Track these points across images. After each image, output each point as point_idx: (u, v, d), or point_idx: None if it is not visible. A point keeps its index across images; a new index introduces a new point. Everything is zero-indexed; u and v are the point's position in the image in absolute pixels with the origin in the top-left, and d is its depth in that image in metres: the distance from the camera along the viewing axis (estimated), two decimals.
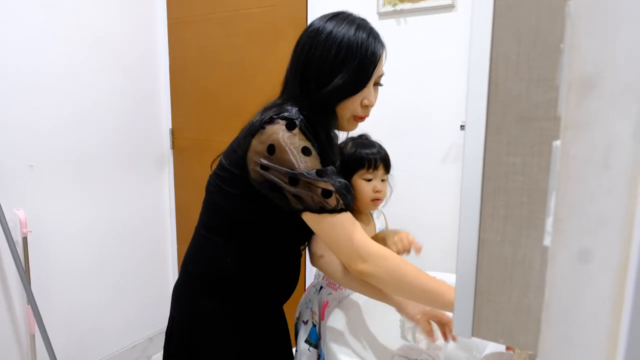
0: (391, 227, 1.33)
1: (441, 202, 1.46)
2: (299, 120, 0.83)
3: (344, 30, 0.85)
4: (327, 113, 0.88)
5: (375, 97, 0.92)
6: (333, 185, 0.81)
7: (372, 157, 1.11)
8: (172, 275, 2.24)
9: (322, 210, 0.81)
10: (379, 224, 1.25)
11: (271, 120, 0.83)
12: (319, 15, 1.63)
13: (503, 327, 0.39)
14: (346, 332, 0.96)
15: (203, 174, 1.03)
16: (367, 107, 0.91)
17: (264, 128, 0.82)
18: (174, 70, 2.10)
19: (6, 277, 1.61)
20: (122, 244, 2.00)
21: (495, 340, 0.39)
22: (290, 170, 0.79)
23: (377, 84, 0.91)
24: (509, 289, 0.38)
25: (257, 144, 0.82)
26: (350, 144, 1.16)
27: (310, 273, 1.78)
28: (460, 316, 0.41)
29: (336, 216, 0.81)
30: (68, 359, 1.80)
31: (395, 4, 1.44)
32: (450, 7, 1.37)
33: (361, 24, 0.87)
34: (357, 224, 0.84)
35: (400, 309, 0.98)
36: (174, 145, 2.17)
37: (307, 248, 1.09)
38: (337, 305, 1.12)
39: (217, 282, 0.95)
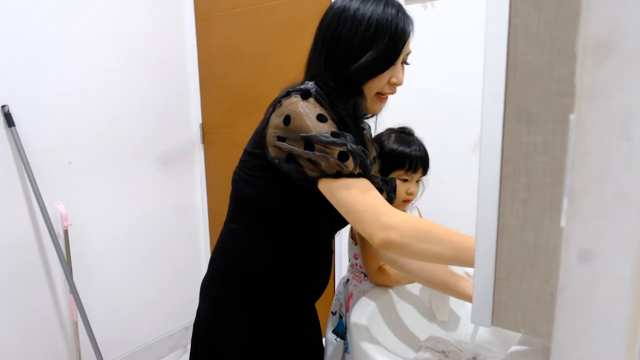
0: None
1: (471, 192, 1.41)
2: (314, 90, 0.81)
3: (372, 7, 0.82)
4: (354, 91, 0.85)
5: (403, 75, 0.88)
6: (349, 148, 0.77)
7: (413, 159, 1.08)
8: (205, 267, 2.29)
9: (339, 174, 0.77)
10: None
11: (287, 95, 0.82)
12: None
13: (524, 315, 0.37)
14: (371, 322, 0.95)
15: (232, 166, 1.02)
16: (394, 85, 0.87)
17: (280, 103, 0.81)
18: (202, 66, 2.14)
19: (50, 268, 1.70)
20: (157, 236, 2.06)
21: (516, 329, 0.38)
22: (304, 134, 0.76)
23: (404, 62, 0.88)
24: (531, 275, 0.36)
25: (274, 118, 0.81)
26: (393, 136, 1.12)
27: (340, 269, 1.78)
28: (479, 304, 0.39)
29: (355, 181, 0.77)
30: (109, 345, 1.88)
31: None
32: None
33: (389, 1, 0.84)
34: (379, 193, 0.79)
35: (460, 287, 0.91)
36: (204, 140, 2.21)
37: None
38: (362, 296, 1.12)
39: (243, 276, 0.93)
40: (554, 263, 0.34)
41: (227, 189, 1.06)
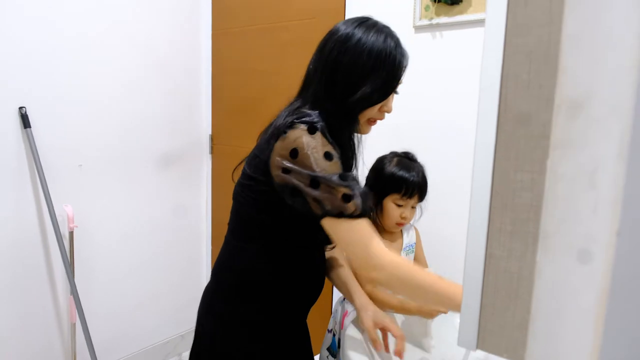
0: (425, 241, 1.33)
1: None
2: (320, 124, 0.84)
3: (373, 38, 0.86)
4: (351, 119, 0.90)
5: (392, 104, 0.95)
6: (353, 191, 0.81)
7: (409, 185, 1.10)
8: (205, 276, 2.31)
9: (340, 215, 0.81)
10: (407, 239, 1.25)
11: (292, 125, 0.84)
12: None
13: (507, 342, 0.39)
14: (364, 339, 0.97)
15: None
16: (384, 112, 0.93)
17: (285, 133, 0.83)
18: (215, 79, 2.19)
19: (53, 268, 1.72)
20: (160, 243, 2.09)
21: (499, 354, 0.40)
22: (311, 173, 0.80)
23: (394, 92, 0.94)
24: (514, 304, 0.38)
25: (280, 149, 0.83)
26: (395, 160, 1.15)
27: None
28: (465, 329, 0.41)
29: (354, 221, 0.82)
30: (105, 348, 1.89)
31: (431, 18, 1.44)
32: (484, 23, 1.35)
33: (389, 33, 0.88)
34: (374, 232, 0.84)
35: (358, 315, 0.99)
36: (212, 151, 2.25)
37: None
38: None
39: (246, 290, 0.96)
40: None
41: (231, 201, 1.08)
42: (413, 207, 1.15)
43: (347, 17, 1.68)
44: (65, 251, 1.67)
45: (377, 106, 0.90)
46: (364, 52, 0.85)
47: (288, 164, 0.82)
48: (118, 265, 1.94)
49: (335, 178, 0.80)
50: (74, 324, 1.77)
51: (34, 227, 1.66)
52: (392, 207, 1.12)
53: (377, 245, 0.82)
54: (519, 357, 0.40)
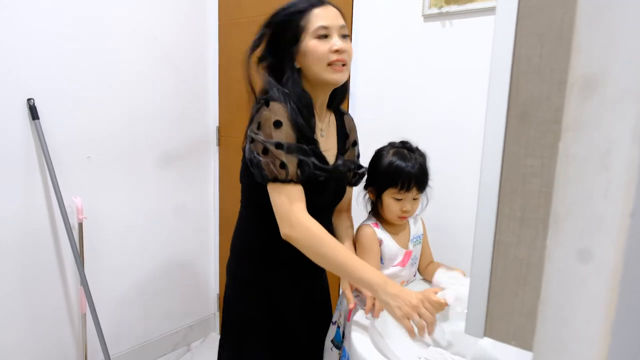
0: (430, 231, 1.32)
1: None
2: (276, 97, 1.01)
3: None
4: (289, 67, 1.06)
5: (346, 45, 1.04)
6: (289, 159, 0.95)
7: (405, 178, 1.07)
8: (213, 268, 2.33)
9: (275, 179, 0.96)
10: (415, 230, 1.24)
11: (258, 102, 1.04)
12: (363, 19, 1.64)
13: (515, 328, 0.39)
14: (371, 327, 0.97)
15: None
16: (337, 52, 1.02)
17: (258, 111, 1.01)
18: (222, 70, 2.19)
19: (63, 259, 1.75)
20: (168, 234, 2.10)
21: (508, 342, 0.39)
22: (264, 140, 0.96)
23: (344, 35, 1.05)
24: (523, 291, 0.38)
25: (250, 125, 1.02)
26: (392, 151, 1.13)
27: None
28: (473, 316, 0.41)
29: (284, 186, 0.96)
30: (115, 338, 1.92)
31: (440, 6, 1.42)
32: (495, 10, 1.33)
33: None
34: (302, 198, 0.97)
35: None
36: (220, 142, 2.25)
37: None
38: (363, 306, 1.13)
39: (247, 250, 1.14)
40: None
41: (238, 191, 1.21)
42: (415, 199, 1.12)
43: (354, 5, 1.66)
44: (74, 242, 1.69)
45: (323, 47, 1.01)
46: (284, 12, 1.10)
47: (253, 134, 0.99)
48: (127, 257, 1.96)
49: (274, 144, 0.95)
50: (84, 314, 1.79)
51: (43, 219, 1.67)
52: (391, 202, 1.10)
53: (299, 208, 0.96)
54: (527, 344, 0.39)
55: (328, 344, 1.19)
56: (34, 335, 1.70)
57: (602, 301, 0.23)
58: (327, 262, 0.97)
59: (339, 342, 1.16)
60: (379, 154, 1.15)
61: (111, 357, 1.83)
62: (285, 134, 0.97)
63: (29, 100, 1.59)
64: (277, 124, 0.97)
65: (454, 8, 1.40)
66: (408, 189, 1.08)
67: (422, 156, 1.14)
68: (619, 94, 0.22)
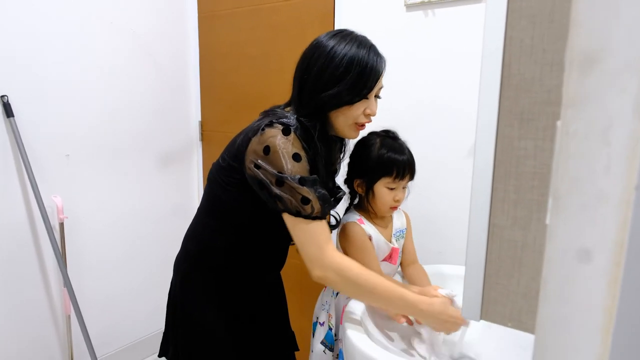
0: (415, 222, 1.32)
1: (467, 195, 1.44)
2: (295, 127, 0.93)
3: (346, 47, 0.94)
4: (320, 117, 0.97)
5: (376, 107, 1.00)
6: (312, 194, 0.89)
7: (400, 167, 1.09)
8: None
9: (298, 214, 0.90)
10: (398, 223, 1.23)
11: (270, 124, 0.92)
12: (345, 10, 1.63)
13: (511, 310, 0.39)
14: (366, 320, 0.97)
15: None
16: (369, 116, 0.99)
17: (263, 130, 0.91)
18: (203, 64, 2.15)
19: (44, 261, 1.70)
20: (151, 232, 2.07)
21: (504, 323, 0.40)
22: (278, 173, 0.88)
23: (377, 96, 1.01)
24: (518, 272, 0.38)
25: (255, 144, 0.92)
26: (378, 141, 1.12)
27: None
28: (469, 299, 0.41)
29: (310, 223, 0.90)
30: (101, 339, 1.88)
31: None
32: None
33: (362, 42, 0.96)
34: (329, 235, 0.93)
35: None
36: (202, 137, 2.22)
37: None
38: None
39: (207, 259, 1.08)
40: (540, 261, 0.36)
41: None
42: (404, 188, 1.13)
43: None
44: (56, 243, 1.64)
45: (360, 109, 0.97)
46: (335, 58, 0.93)
47: (259, 161, 0.90)
48: (111, 256, 1.92)
49: (297, 180, 0.88)
50: (69, 316, 1.75)
51: (22, 220, 1.63)
52: (384, 191, 1.10)
53: (332, 248, 0.92)
54: (523, 325, 0.40)
55: (318, 346, 1.16)
56: (18, 339, 1.65)
57: (604, 279, 0.24)
58: (369, 297, 0.94)
59: (331, 344, 1.15)
60: (364, 145, 1.14)
61: (98, 359, 1.79)
62: (304, 169, 0.91)
63: (2, 97, 1.53)
64: (297, 158, 0.90)
65: None
66: (402, 177, 1.09)
67: (405, 143, 1.15)
68: (619, 69, 0.22)
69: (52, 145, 1.68)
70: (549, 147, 0.36)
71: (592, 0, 0.23)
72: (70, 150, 1.73)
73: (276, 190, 0.89)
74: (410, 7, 1.46)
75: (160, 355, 1.23)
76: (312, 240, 0.91)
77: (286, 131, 0.91)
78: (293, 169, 0.88)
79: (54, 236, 1.63)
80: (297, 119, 0.95)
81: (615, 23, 0.22)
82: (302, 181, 0.89)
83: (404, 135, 1.18)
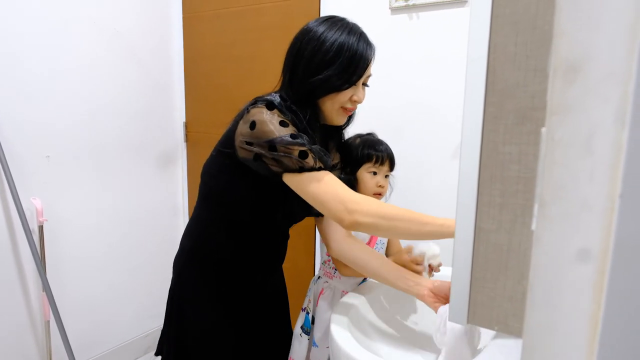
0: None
1: (451, 197, 1.45)
2: (278, 102, 0.93)
3: (336, 34, 0.94)
4: (310, 102, 0.96)
5: (364, 95, 1.01)
6: (307, 147, 0.88)
7: (379, 153, 1.16)
8: None
9: (301, 169, 0.87)
10: None
11: (254, 103, 0.94)
12: (330, 12, 1.63)
13: (498, 313, 0.39)
14: (353, 317, 0.98)
15: None
16: (355, 102, 1.00)
17: (248, 111, 0.92)
18: (188, 64, 2.13)
19: (22, 265, 1.66)
20: (135, 234, 2.04)
21: (490, 327, 0.40)
22: (268, 139, 0.87)
23: (364, 84, 1.01)
24: (504, 276, 0.39)
25: (242, 125, 0.92)
26: (358, 140, 1.19)
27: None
28: (456, 303, 0.41)
29: (317, 173, 0.88)
30: (81, 345, 1.84)
31: None
32: (462, 2, 1.36)
33: (353, 28, 0.96)
34: (341, 182, 0.90)
35: (419, 296, 0.98)
36: (187, 138, 2.20)
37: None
38: (333, 294, 1.16)
39: (201, 255, 1.07)
40: (526, 265, 0.37)
41: None
42: (386, 177, 1.18)
43: (322, 0, 1.65)
44: (35, 246, 1.60)
45: (348, 95, 0.96)
46: (325, 43, 0.93)
47: (248, 138, 0.89)
48: (92, 259, 1.88)
49: (288, 137, 0.87)
50: (48, 321, 1.71)
51: (0, 223, 1.58)
52: (367, 176, 1.16)
53: (348, 190, 0.88)
54: (509, 329, 0.40)
55: (297, 330, 1.21)
56: None
57: (589, 285, 0.24)
58: (409, 230, 0.88)
59: (308, 328, 1.18)
60: (347, 143, 1.21)
61: None
62: (293, 131, 0.89)
63: None
64: (284, 124, 0.89)
65: (420, 0, 1.42)
66: (382, 162, 1.16)
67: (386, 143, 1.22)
68: (601, 78, 0.23)
69: (31, 146, 1.64)
70: (533, 151, 0.37)
71: (575, 11, 0.23)
72: (51, 151, 1.69)
73: (271, 155, 0.87)
74: (395, 10, 1.47)
75: (156, 354, 1.22)
76: (327, 192, 0.86)
77: (270, 106, 0.91)
78: (281, 132, 0.87)
79: (32, 239, 1.59)
80: (281, 97, 0.96)
81: (598, 33, 0.23)
82: (293, 136, 0.87)
83: (389, 136, 1.23)
